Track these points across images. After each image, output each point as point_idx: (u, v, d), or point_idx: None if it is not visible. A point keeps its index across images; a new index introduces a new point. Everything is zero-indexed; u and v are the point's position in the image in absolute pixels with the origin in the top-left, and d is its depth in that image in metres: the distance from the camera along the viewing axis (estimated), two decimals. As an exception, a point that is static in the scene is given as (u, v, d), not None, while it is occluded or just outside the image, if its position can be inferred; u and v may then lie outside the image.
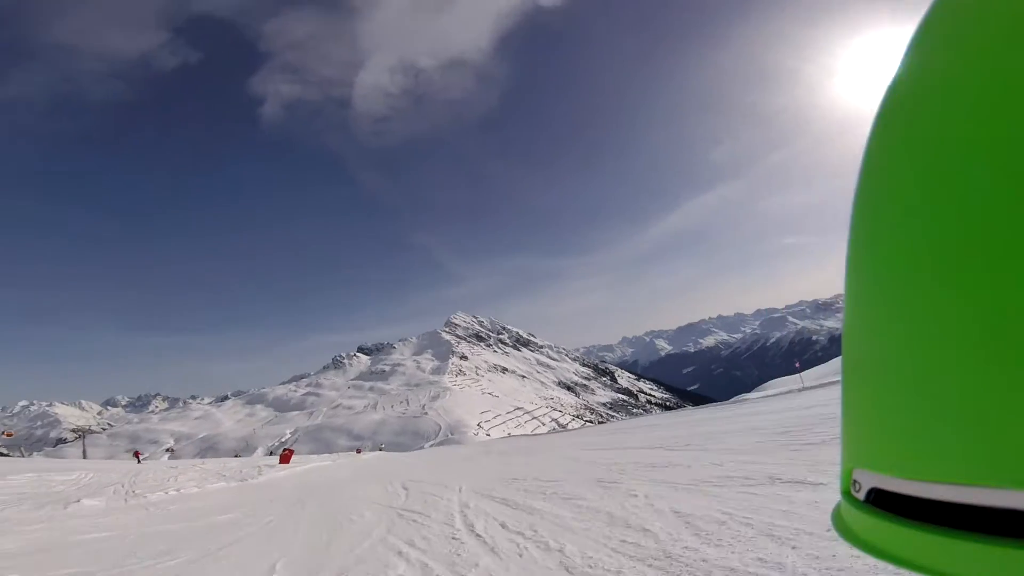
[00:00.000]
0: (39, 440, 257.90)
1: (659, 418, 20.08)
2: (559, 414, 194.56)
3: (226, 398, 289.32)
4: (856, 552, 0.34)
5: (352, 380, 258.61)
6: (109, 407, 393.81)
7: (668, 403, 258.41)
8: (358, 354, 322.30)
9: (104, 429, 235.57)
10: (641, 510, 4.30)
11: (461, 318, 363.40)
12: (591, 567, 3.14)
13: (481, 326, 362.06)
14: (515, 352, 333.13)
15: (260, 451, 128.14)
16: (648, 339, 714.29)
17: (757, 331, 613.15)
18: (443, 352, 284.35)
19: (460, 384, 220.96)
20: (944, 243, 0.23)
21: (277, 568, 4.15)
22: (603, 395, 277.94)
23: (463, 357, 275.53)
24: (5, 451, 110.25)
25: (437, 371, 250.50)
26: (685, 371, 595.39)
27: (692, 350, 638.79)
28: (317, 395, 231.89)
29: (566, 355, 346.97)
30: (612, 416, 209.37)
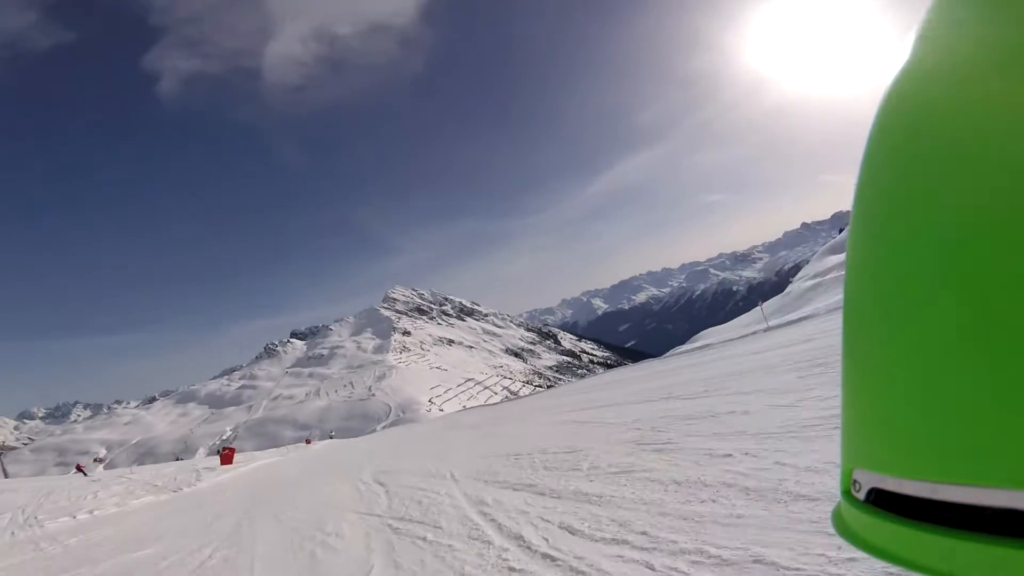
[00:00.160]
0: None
1: (618, 373, 19.71)
2: (510, 381, 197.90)
3: (154, 399, 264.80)
4: (856, 552, 0.33)
5: (289, 368, 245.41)
6: (26, 420, 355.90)
7: (609, 361, 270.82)
8: (292, 340, 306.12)
9: (25, 444, 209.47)
10: (771, 471, 3.13)
11: (400, 292, 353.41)
12: None
13: (422, 299, 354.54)
14: (460, 323, 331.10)
15: (202, 451, 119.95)
16: (585, 299, 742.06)
17: (684, 284, 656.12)
18: (384, 330, 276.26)
19: (406, 361, 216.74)
20: (944, 242, 0.23)
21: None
22: (548, 358, 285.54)
23: (406, 332, 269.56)
24: None
25: (380, 349, 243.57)
26: (621, 328, 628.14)
27: (627, 307, 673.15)
28: (253, 387, 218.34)
29: (511, 321, 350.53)
30: (559, 379, 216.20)
